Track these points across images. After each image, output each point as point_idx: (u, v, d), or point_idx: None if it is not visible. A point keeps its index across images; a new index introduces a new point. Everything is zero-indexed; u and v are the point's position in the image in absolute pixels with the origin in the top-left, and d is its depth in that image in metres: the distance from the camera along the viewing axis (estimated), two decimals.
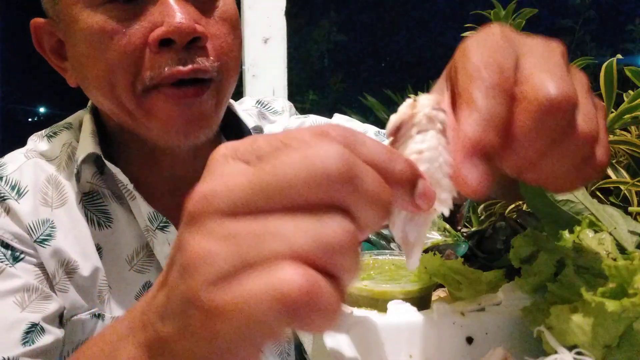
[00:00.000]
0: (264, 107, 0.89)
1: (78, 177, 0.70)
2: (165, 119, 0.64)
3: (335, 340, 0.39)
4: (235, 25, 0.69)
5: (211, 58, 0.65)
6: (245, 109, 0.86)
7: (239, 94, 0.97)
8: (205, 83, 0.65)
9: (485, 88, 0.33)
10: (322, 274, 0.26)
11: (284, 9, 1.61)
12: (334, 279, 0.26)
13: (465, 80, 0.34)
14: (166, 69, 0.62)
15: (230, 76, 0.69)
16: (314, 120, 0.88)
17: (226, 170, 0.28)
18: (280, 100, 0.91)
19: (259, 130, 0.79)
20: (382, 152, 0.29)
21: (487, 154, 0.32)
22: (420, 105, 0.34)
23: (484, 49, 0.35)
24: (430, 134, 0.33)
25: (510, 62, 0.34)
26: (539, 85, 0.33)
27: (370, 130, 0.86)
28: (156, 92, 0.63)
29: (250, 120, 0.79)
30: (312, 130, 0.29)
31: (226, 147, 0.30)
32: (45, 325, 0.64)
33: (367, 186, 0.27)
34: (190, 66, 0.62)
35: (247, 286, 0.25)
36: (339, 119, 0.89)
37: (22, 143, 0.78)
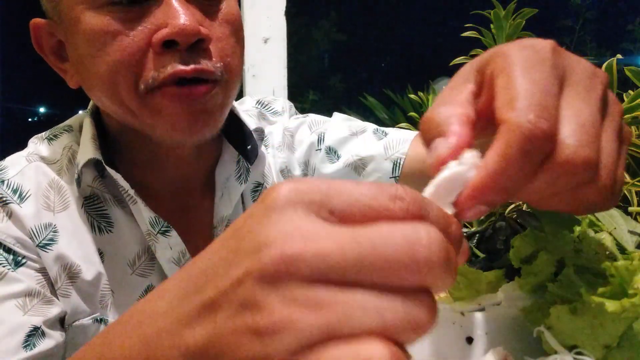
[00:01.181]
0: (264, 107, 0.89)
1: (79, 181, 0.70)
2: (170, 116, 0.64)
3: None
4: (238, 28, 0.69)
5: (214, 60, 0.65)
6: (245, 109, 0.86)
7: (239, 94, 0.97)
8: (210, 83, 0.65)
9: (525, 139, 0.32)
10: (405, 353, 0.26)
11: (284, 9, 1.61)
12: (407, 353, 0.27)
13: (507, 118, 0.33)
14: (169, 68, 0.62)
15: (234, 77, 0.69)
16: (313, 119, 0.87)
17: (305, 227, 0.27)
18: (281, 101, 0.91)
19: (260, 131, 0.79)
20: (445, 218, 0.30)
21: (494, 202, 0.33)
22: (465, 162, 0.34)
23: (532, 76, 0.34)
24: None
25: (555, 101, 0.34)
26: (565, 142, 0.33)
27: (369, 128, 0.86)
28: (160, 92, 0.63)
29: (251, 122, 0.79)
30: (391, 195, 0.28)
31: (290, 191, 0.28)
32: (46, 330, 0.64)
33: (452, 266, 0.27)
34: (192, 66, 0.62)
35: (332, 356, 0.25)
36: (338, 117, 0.89)
37: (22, 143, 0.78)
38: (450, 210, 0.32)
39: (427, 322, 0.26)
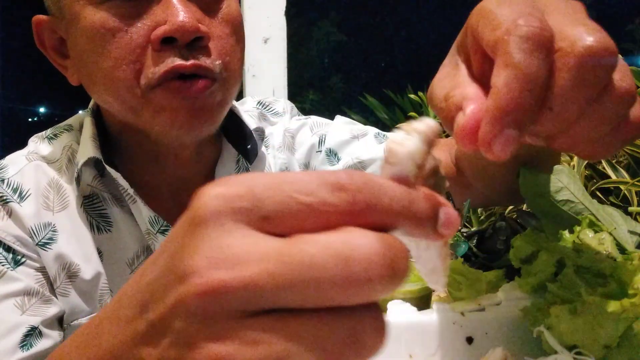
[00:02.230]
0: (265, 108, 0.89)
1: (78, 180, 0.70)
2: (170, 112, 0.64)
3: None
4: (238, 27, 0.69)
5: (213, 57, 0.65)
6: (246, 110, 0.86)
7: (239, 94, 0.97)
8: (209, 79, 0.65)
9: (524, 41, 0.30)
10: None
11: (284, 9, 1.62)
12: None
13: (498, 35, 0.31)
14: (168, 62, 0.62)
15: (234, 77, 0.69)
16: (314, 121, 0.88)
17: (231, 246, 0.24)
18: (282, 101, 0.91)
19: (260, 131, 0.79)
20: (404, 197, 0.26)
21: (519, 120, 0.30)
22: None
23: (510, 4, 0.32)
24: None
25: (541, 15, 0.31)
26: (577, 37, 0.31)
27: (370, 132, 0.86)
28: (160, 88, 0.63)
29: (251, 122, 0.79)
30: (329, 185, 0.25)
31: (213, 199, 0.25)
32: (44, 330, 0.64)
33: (400, 272, 0.24)
34: (192, 61, 0.63)
35: None
36: (340, 120, 0.89)
37: (22, 142, 0.78)
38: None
39: (374, 342, 0.24)
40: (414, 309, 0.44)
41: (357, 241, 0.23)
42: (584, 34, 0.31)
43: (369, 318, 0.24)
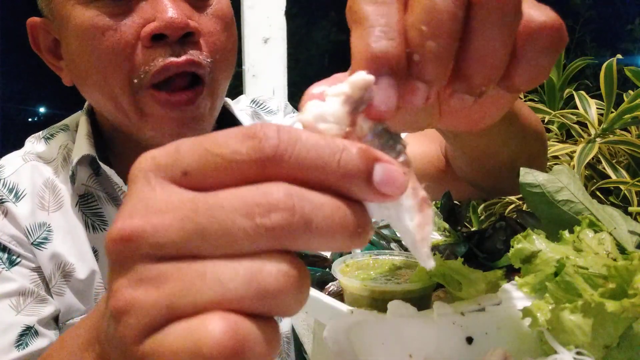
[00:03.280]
0: (258, 106, 0.89)
1: (73, 179, 0.70)
2: (158, 121, 0.64)
3: (335, 340, 0.39)
4: (229, 23, 0.69)
5: (205, 53, 0.65)
6: (240, 108, 0.86)
7: (239, 94, 0.97)
8: (199, 84, 0.65)
9: None
10: (256, 320, 0.24)
11: (284, 9, 1.61)
12: (269, 323, 0.25)
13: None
14: (160, 60, 0.62)
15: (224, 75, 0.69)
16: None
17: (151, 198, 0.25)
18: (276, 99, 0.91)
19: None
20: (323, 147, 0.25)
21: (389, 66, 0.28)
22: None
23: None
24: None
25: None
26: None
27: None
28: (150, 93, 0.63)
29: (245, 120, 0.79)
30: (241, 135, 0.25)
31: (146, 159, 0.26)
32: (39, 329, 0.64)
33: (320, 223, 0.24)
34: (184, 57, 0.62)
35: (169, 339, 0.24)
36: None
37: (22, 142, 0.78)
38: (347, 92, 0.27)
39: (277, 285, 0.24)
40: (414, 309, 0.44)
41: (264, 189, 0.24)
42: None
43: (273, 262, 0.24)
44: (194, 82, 0.65)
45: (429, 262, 0.27)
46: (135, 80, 0.63)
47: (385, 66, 0.27)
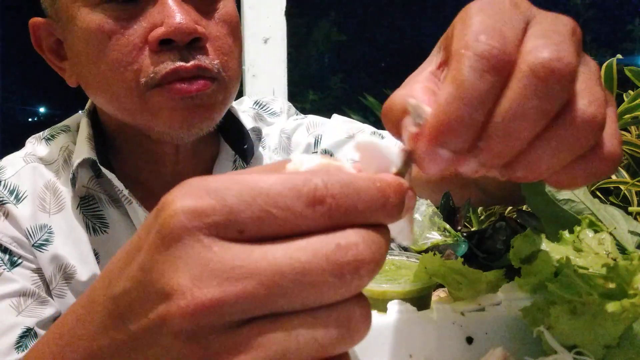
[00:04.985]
0: (261, 108, 0.89)
1: (74, 181, 0.70)
2: (169, 112, 0.64)
3: None
4: (235, 27, 0.69)
5: (211, 57, 0.65)
6: (243, 110, 0.86)
7: (239, 94, 0.97)
8: (208, 79, 0.65)
9: (476, 58, 0.27)
10: None
11: (284, 9, 1.61)
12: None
13: (457, 47, 0.28)
14: (169, 64, 0.62)
15: (233, 77, 0.69)
16: (311, 120, 0.87)
17: (213, 261, 0.23)
18: (279, 101, 0.91)
19: (257, 131, 0.79)
20: (379, 198, 0.26)
21: (455, 141, 0.27)
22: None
23: (487, 13, 0.29)
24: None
25: (515, 31, 0.28)
26: (532, 48, 0.28)
27: (366, 130, 0.86)
28: (159, 88, 0.63)
29: (248, 122, 0.79)
30: (300, 195, 0.24)
31: (187, 213, 0.24)
32: (39, 331, 0.64)
33: (381, 263, 0.25)
34: (192, 62, 0.63)
35: None
36: (337, 119, 0.89)
37: (22, 143, 0.78)
38: (397, 163, 0.28)
39: (364, 326, 0.25)
40: (414, 309, 0.44)
41: (345, 242, 0.24)
42: (540, 46, 0.28)
43: (357, 307, 0.25)
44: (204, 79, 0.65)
45: (410, 242, 0.30)
46: (143, 80, 0.63)
47: (456, 137, 0.27)
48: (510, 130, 0.27)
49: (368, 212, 0.25)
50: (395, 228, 0.29)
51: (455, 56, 0.28)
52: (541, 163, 0.29)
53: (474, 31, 0.28)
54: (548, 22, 0.30)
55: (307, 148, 0.84)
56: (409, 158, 0.28)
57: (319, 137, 0.84)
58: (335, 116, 0.91)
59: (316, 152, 0.84)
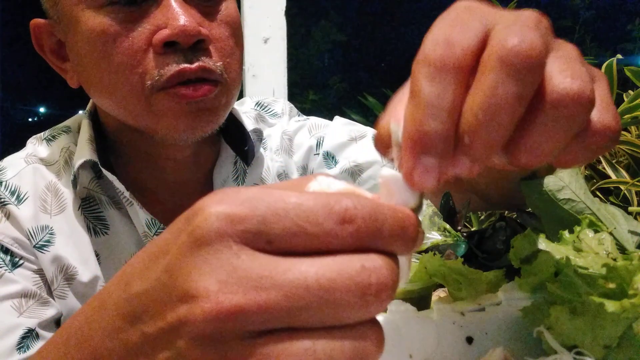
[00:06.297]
0: (263, 109, 0.89)
1: (75, 183, 0.70)
2: (173, 116, 0.64)
3: None
4: (237, 29, 0.69)
5: (215, 59, 0.65)
6: (244, 111, 0.86)
7: (239, 94, 0.97)
8: (212, 83, 0.65)
9: (424, 65, 0.28)
10: None
11: (284, 9, 1.61)
12: None
13: (414, 63, 0.29)
14: (174, 66, 0.62)
15: (233, 75, 0.69)
16: (313, 122, 0.87)
17: (241, 268, 0.24)
18: (281, 102, 0.91)
19: (258, 133, 0.79)
20: (400, 228, 0.27)
21: (432, 146, 0.27)
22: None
23: (440, 25, 0.29)
24: None
25: (466, 33, 0.28)
26: (495, 42, 0.27)
27: (369, 133, 0.86)
28: (164, 92, 0.63)
29: (249, 123, 0.79)
30: (332, 213, 0.25)
31: (221, 219, 0.24)
32: (40, 332, 0.64)
33: (396, 289, 0.26)
34: (197, 64, 0.63)
35: None
36: (338, 122, 0.89)
37: (22, 143, 0.78)
38: (413, 200, 0.29)
39: (376, 351, 0.26)
40: (414, 309, 0.44)
41: (370, 265, 0.25)
42: (503, 37, 0.27)
43: (372, 332, 0.26)
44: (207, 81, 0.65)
45: (404, 283, 0.30)
46: (149, 83, 0.63)
47: (430, 147, 0.27)
48: (488, 120, 0.27)
49: (390, 240, 0.26)
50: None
51: (412, 71, 0.29)
52: (541, 146, 0.28)
53: (424, 44, 0.29)
54: (511, 18, 0.29)
55: (309, 150, 0.84)
56: (423, 197, 0.29)
57: (321, 139, 0.84)
58: (337, 118, 0.91)
59: (318, 154, 0.83)
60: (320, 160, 0.83)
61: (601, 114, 0.29)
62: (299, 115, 0.91)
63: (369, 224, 0.25)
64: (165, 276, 0.25)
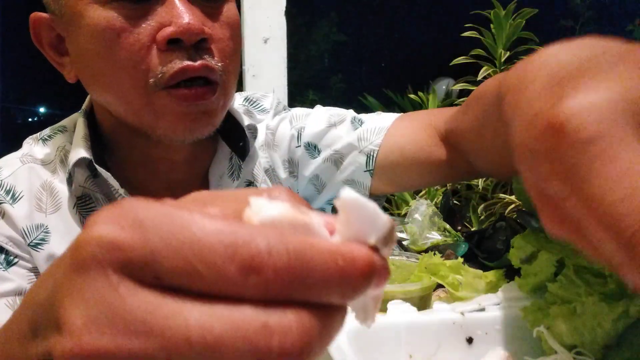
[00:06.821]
0: (251, 104, 0.88)
1: (70, 181, 0.70)
2: (173, 117, 0.65)
3: (335, 340, 0.39)
4: (237, 30, 0.70)
5: (216, 59, 0.66)
6: (234, 106, 0.86)
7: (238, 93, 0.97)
8: (213, 85, 0.65)
9: None
10: None
11: (284, 9, 1.61)
12: None
13: None
14: (177, 63, 0.63)
15: (232, 77, 0.69)
16: (294, 113, 0.86)
17: (115, 305, 0.20)
18: (270, 97, 0.90)
19: (252, 129, 0.79)
20: (332, 278, 0.21)
21: None
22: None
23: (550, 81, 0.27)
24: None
25: None
26: None
27: (347, 117, 0.84)
28: (165, 92, 0.64)
29: (244, 119, 0.79)
30: (234, 258, 0.20)
31: (104, 245, 0.21)
32: None
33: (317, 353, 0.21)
34: (199, 62, 0.63)
35: None
36: (319, 110, 0.88)
37: (22, 143, 0.78)
38: (377, 234, 0.23)
39: None
40: (414, 309, 0.44)
41: (275, 323, 0.20)
42: None
43: None
44: (207, 85, 0.66)
45: (369, 324, 0.25)
46: (152, 80, 0.63)
47: None
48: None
49: (316, 291, 0.21)
50: (357, 304, 0.25)
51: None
52: None
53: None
54: None
55: (290, 140, 0.83)
56: (393, 229, 0.24)
57: (302, 129, 0.83)
58: (317, 106, 0.89)
59: (299, 145, 0.83)
60: (303, 152, 0.83)
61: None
62: (285, 110, 0.90)
63: (284, 275, 0.20)
64: (52, 295, 0.23)
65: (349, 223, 0.23)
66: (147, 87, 0.64)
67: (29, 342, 0.25)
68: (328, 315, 0.21)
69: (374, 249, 0.22)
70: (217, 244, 0.20)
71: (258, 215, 0.22)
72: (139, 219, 0.21)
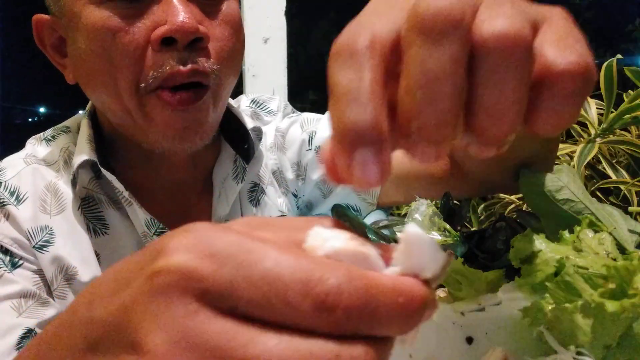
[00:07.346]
0: (258, 106, 0.88)
1: (74, 182, 0.70)
2: (163, 124, 0.65)
3: None
4: (238, 29, 0.69)
5: (211, 60, 0.65)
6: (241, 109, 0.86)
7: (239, 94, 0.97)
8: (200, 90, 0.65)
9: (340, 59, 0.26)
10: None
11: (284, 9, 1.61)
12: None
13: (328, 62, 0.27)
14: (167, 68, 0.62)
15: (229, 80, 0.69)
16: (305, 117, 0.87)
17: (198, 333, 0.21)
18: (277, 100, 0.91)
19: (257, 131, 0.79)
20: (401, 315, 0.23)
21: (363, 136, 0.24)
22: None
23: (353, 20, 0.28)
24: None
25: (379, 19, 0.27)
26: (412, 12, 0.25)
27: None
28: (155, 96, 0.63)
29: (248, 121, 0.79)
30: (309, 295, 0.22)
31: (180, 272, 0.22)
32: (39, 332, 0.64)
33: None
34: (189, 66, 0.63)
35: None
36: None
37: (22, 143, 0.78)
38: (433, 269, 0.24)
39: None
40: None
41: (347, 355, 0.22)
42: (420, 3, 0.24)
43: None
44: (198, 87, 0.65)
45: (407, 345, 0.26)
46: (143, 85, 0.63)
47: (358, 137, 0.24)
48: (429, 95, 0.24)
49: (379, 327, 0.22)
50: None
51: (327, 67, 0.27)
52: (555, 121, 0.26)
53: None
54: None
55: (301, 146, 0.84)
56: (447, 266, 0.25)
57: (313, 133, 0.84)
58: (328, 112, 0.90)
59: (310, 149, 0.83)
60: (313, 156, 0.83)
61: (558, 52, 0.26)
62: (293, 113, 0.91)
63: (354, 313, 0.22)
64: (121, 314, 0.23)
65: (410, 256, 0.24)
66: (139, 90, 0.63)
67: (84, 356, 0.25)
68: (385, 345, 0.23)
69: (426, 282, 0.24)
70: (292, 281, 0.22)
71: (322, 247, 0.24)
72: (216, 249, 0.22)
